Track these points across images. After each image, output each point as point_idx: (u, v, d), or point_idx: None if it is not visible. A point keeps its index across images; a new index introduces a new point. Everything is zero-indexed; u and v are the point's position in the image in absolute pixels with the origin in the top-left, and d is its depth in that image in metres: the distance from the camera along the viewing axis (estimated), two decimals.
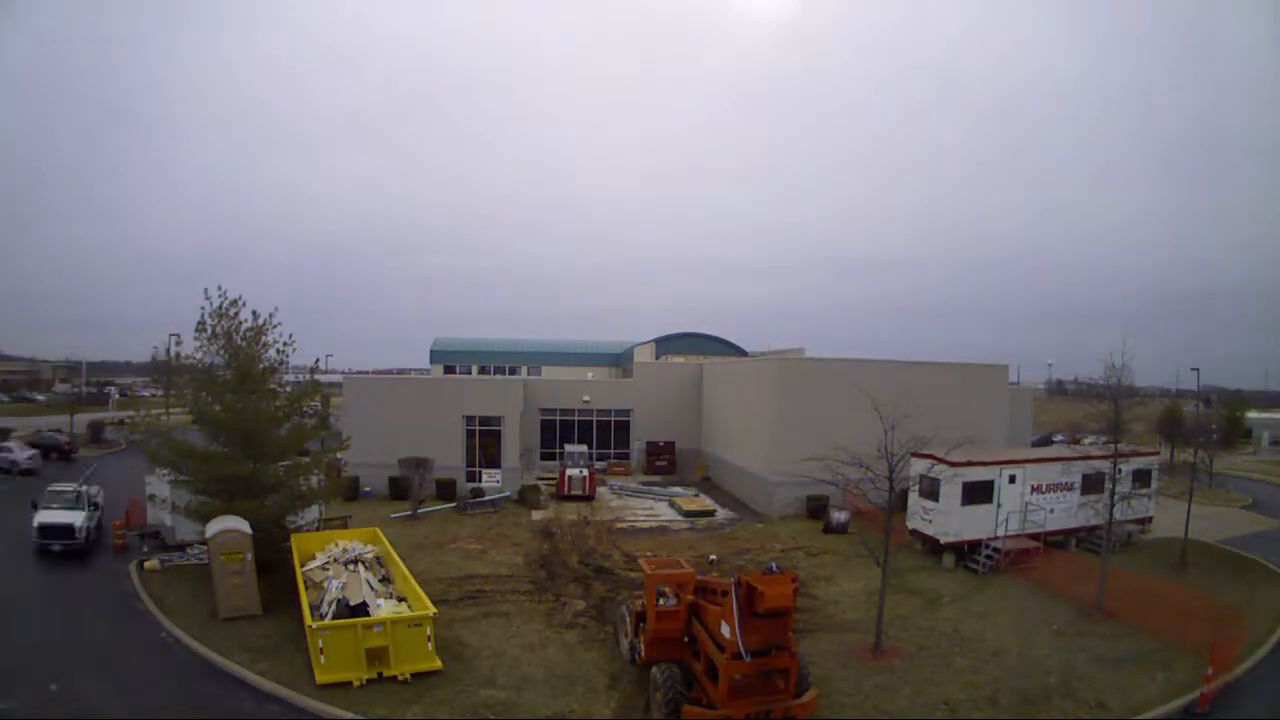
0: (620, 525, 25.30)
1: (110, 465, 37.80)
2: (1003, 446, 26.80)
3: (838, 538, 23.92)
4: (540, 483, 31.49)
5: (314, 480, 19.69)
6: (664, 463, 36.67)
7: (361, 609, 13.92)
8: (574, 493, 29.84)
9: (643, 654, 12.82)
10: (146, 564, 19.00)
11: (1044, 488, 22.07)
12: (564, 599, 17.30)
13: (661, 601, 12.69)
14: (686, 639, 12.46)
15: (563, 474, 30.54)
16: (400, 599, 15.00)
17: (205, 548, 16.63)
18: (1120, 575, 18.22)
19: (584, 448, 33.59)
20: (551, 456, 37.08)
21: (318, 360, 22.90)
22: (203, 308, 18.19)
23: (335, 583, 15.06)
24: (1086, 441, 30.85)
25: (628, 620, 13.79)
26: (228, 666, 13.29)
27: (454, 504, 27.70)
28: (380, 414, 30.05)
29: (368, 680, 12.53)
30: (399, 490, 28.53)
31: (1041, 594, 18.26)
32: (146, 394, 79.87)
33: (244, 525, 16.12)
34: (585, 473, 30.27)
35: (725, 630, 10.89)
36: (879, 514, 20.14)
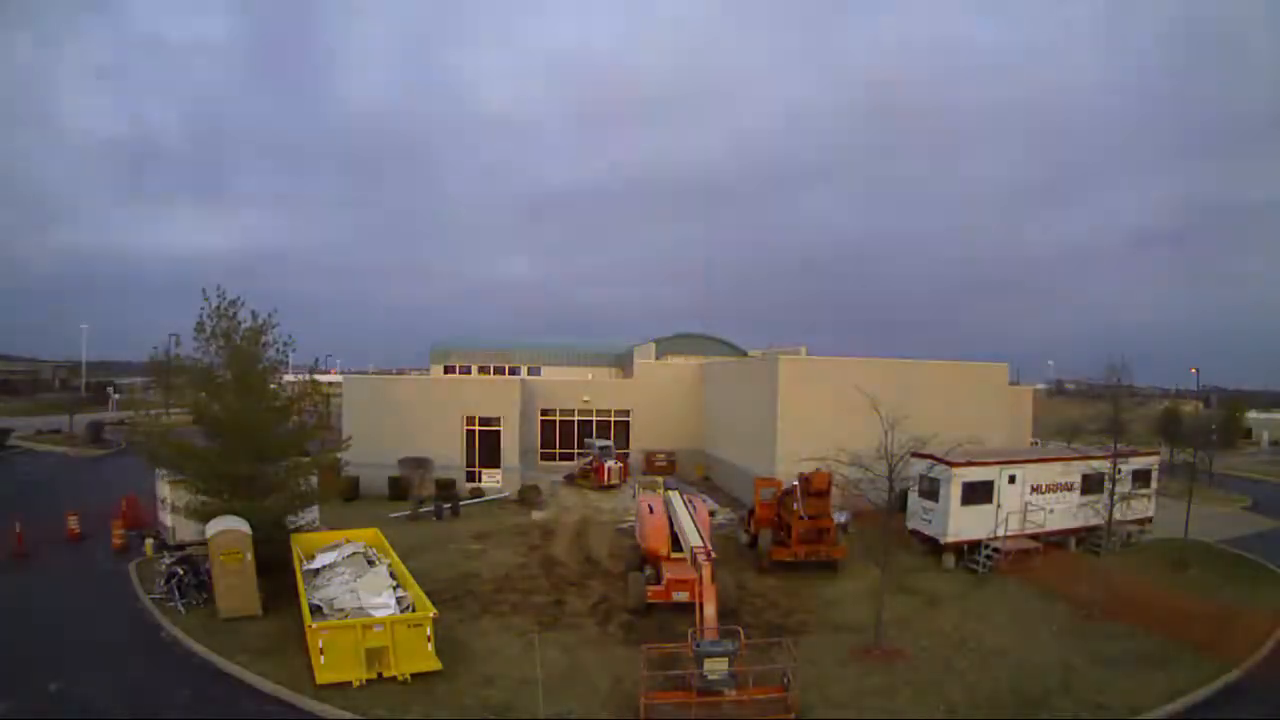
0: (622, 525, 25.28)
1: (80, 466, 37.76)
2: (1003, 446, 26.75)
3: None
4: (565, 474, 32.91)
5: (314, 480, 19.70)
6: (664, 463, 36.64)
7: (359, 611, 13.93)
8: (611, 483, 31.29)
9: (752, 529, 21.65)
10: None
11: (1044, 488, 22.06)
12: (563, 599, 17.31)
13: (764, 494, 21.81)
14: (777, 517, 21.11)
15: (602, 467, 31.69)
16: (401, 598, 14.99)
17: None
18: (1120, 576, 18.21)
19: (609, 441, 34.42)
20: (551, 457, 37.07)
21: (317, 360, 22.89)
22: (201, 308, 18.22)
23: (341, 580, 15.08)
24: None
25: (746, 517, 22.91)
26: (227, 667, 13.29)
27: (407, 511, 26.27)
28: (380, 414, 30.02)
29: (367, 680, 12.52)
30: (399, 490, 28.51)
31: (1041, 594, 18.25)
32: (138, 382, 79.58)
33: (243, 525, 16.12)
34: (621, 464, 32.41)
35: (795, 505, 20.11)
36: (879, 514, 20.16)
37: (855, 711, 12.06)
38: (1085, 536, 22.63)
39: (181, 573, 16.80)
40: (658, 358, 47.35)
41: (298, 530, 18.87)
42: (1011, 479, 21.53)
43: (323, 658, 12.58)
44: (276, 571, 17.03)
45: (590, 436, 36.12)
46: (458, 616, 15.88)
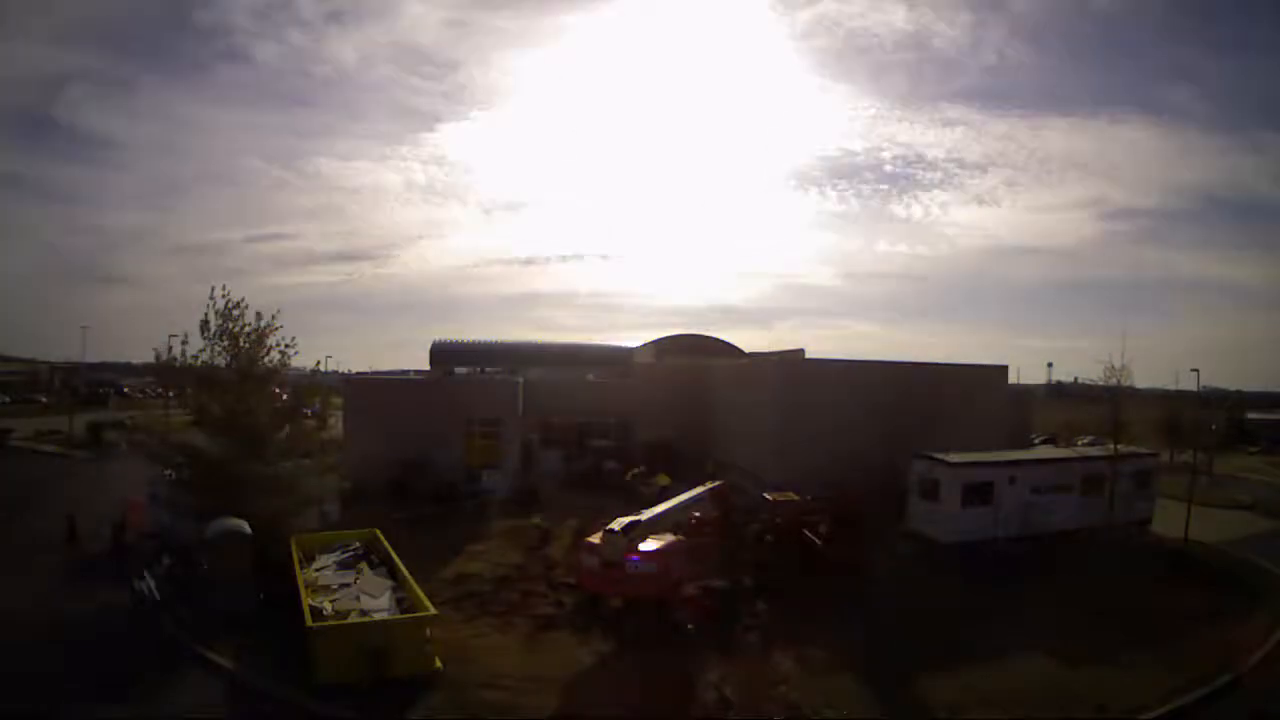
0: (612, 528, 25.23)
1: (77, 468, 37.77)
2: (1003, 448, 26.80)
3: None
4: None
5: (314, 481, 19.78)
6: (664, 466, 36.55)
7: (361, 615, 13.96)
8: (611, 485, 30.66)
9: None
10: None
11: (1044, 489, 22.03)
12: (563, 600, 17.30)
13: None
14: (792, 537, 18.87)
15: (599, 467, 31.54)
16: (402, 599, 15.00)
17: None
18: (1119, 576, 18.21)
19: (607, 442, 34.23)
20: (552, 459, 36.97)
21: (319, 362, 23.00)
22: (207, 306, 18.34)
23: (345, 588, 15.12)
24: (1083, 442, 30.92)
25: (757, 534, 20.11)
26: (226, 667, 13.31)
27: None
28: (380, 415, 30.02)
29: (367, 681, 12.50)
30: (398, 492, 28.47)
31: (1041, 595, 18.22)
32: (145, 381, 79.59)
33: (244, 526, 16.15)
34: (620, 466, 31.87)
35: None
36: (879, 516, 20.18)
37: (855, 713, 12.09)
38: (1086, 537, 22.60)
39: (181, 573, 16.81)
40: (657, 359, 47.30)
41: (299, 530, 18.90)
42: (1012, 480, 21.52)
43: (322, 658, 12.58)
44: (276, 572, 17.07)
45: (592, 439, 35.87)
46: (457, 617, 15.87)
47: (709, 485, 19.93)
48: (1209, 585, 19.31)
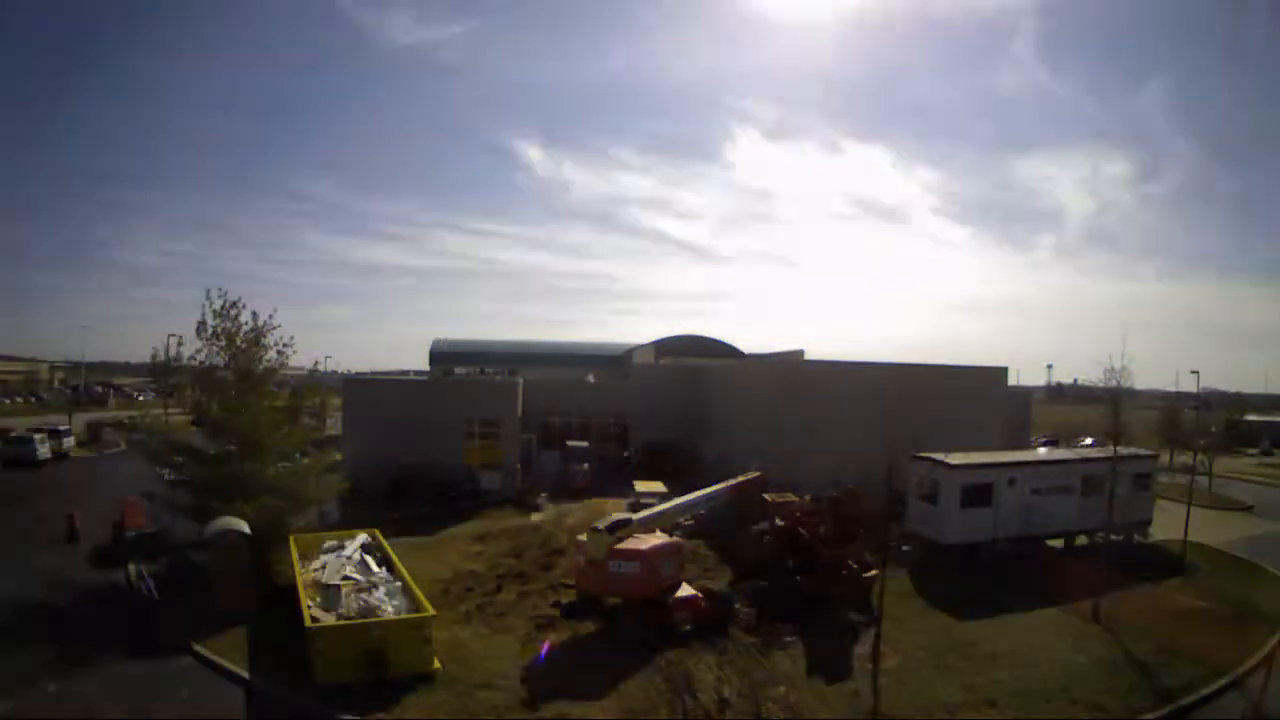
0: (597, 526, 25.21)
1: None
2: (1003, 449, 26.80)
3: None
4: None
5: (313, 481, 19.77)
6: (663, 466, 36.51)
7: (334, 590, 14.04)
8: (581, 488, 30.55)
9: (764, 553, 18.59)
10: None
11: (1043, 490, 22.03)
12: (561, 600, 17.28)
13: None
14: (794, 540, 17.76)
15: (576, 471, 31.27)
16: (400, 599, 14.98)
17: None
18: (1118, 578, 18.19)
19: (585, 444, 33.92)
20: (551, 459, 36.95)
21: (317, 362, 23.05)
22: (203, 306, 18.34)
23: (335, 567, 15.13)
24: (1084, 443, 30.91)
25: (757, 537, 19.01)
26: (225, 667, 13.29)
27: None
28: (379, 415, 30.03)
29: (366, 681, 12.49)
30: (398, 491, 28.49)
31: (1040, 596, 18.22)
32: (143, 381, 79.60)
33: (242, 526, 16.14)
34: (586, 467, 31.36)
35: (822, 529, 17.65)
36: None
37: (854, 713, 12.08)
38: (1085, 538, 22.61)
39: (180, 572, 16.82)
40: (656, 360, 47.35)
41: (299, 530, 18.90)
42: (1011, 481, 21.51)
43: (321, 658, 12.56)
44: (275, 572, 17.07)
45: (573, 440, 35.25)
46: (456, 617, 15.87)
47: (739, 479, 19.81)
48: (1207, 586, 19.38)
